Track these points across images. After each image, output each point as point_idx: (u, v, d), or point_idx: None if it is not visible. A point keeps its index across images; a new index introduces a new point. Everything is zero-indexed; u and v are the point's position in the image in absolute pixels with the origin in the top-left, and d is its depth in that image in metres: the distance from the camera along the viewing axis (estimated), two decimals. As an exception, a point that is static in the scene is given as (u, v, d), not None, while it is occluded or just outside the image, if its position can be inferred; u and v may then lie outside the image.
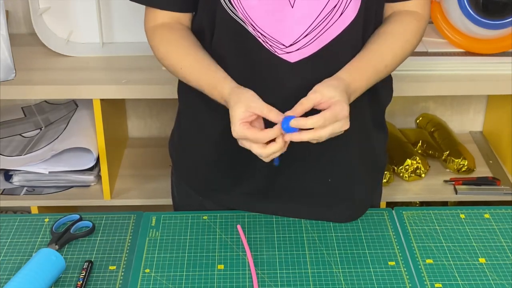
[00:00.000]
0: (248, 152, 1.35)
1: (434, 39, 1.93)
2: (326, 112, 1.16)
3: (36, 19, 1.93)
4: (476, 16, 1.82)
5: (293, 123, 1.16)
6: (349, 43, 1.27)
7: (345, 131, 1.19)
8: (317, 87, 1.19)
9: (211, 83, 1.27)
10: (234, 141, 1.35)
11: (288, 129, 1.16)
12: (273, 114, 1.18)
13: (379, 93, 1.39)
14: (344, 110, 1.17)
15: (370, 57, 1.27)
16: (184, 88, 1.40)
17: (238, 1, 1.23)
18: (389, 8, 1.35)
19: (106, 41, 2.00)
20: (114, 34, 2.00)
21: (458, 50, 1.91)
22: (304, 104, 1.18)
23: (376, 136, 1.43)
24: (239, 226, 1.37)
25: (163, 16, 1.34)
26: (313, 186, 1.38)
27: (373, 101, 1.38)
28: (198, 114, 1.39)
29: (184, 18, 1.35)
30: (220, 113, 1.29)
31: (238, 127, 1.18)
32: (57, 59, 1.95)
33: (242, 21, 1.25)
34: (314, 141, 1.19)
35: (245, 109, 1.18)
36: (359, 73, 1.25)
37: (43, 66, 1.92)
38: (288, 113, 1.18)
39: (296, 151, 1.34)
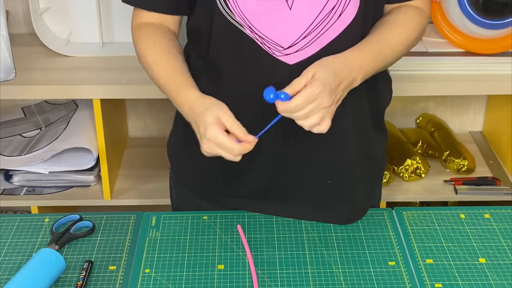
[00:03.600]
0: (247, 154, 1.35)
1: (434, 39, 1.93)
2: (299, 94, 1.15)
3: (36, 19, 1.93)
4: (476, 16, 1.82)
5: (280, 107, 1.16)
6: (348, 44, 1.26)
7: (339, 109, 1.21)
8: (309, 67, 1.18)
9: (179, 85, 1.26)
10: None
11: (270, 100, 1.17)
12: (241, 132, 1.17)
13: (378, 94, 1.39)
14: (318, 91, 1.15)
15: (374, 41, 1.27)
16: None
17: (235, 4, 1.23)
18: (390, 7, 1.35)
19: (106, 41, 2.00)
20: (114, 34, 2.00)
21: (458, 50, 1.91)
22: (295, 85, 1.17)
23: (376, 138, 1.43)
24: (239, 226, 1.37)
25: (149, 16, 1.34)
26: (312, 187, 1.38)
27: (372, 103, 1.38)
28: None
29: (171, 20, 1.35)
30: None
31: (213, 129, 1.17)
32: (57, 59, 1.95)
33: (240, 24, 1.24)
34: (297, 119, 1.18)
35: (217, 118, 1.18)
36: (359, 50, 1.25)
37: (43, 66, 1.92)
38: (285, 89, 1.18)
39: (296, 153, 1.34)
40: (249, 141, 1.18)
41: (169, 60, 1.29)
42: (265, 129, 1.20)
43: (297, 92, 1.16)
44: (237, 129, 1.18)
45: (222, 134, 1.17)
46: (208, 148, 1.19)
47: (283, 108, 1.16)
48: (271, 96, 1.16)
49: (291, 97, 1.16)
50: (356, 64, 1.22)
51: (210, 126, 1.18)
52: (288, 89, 1.17)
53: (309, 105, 1.15)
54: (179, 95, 1.26)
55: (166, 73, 1.29)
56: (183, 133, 1.44)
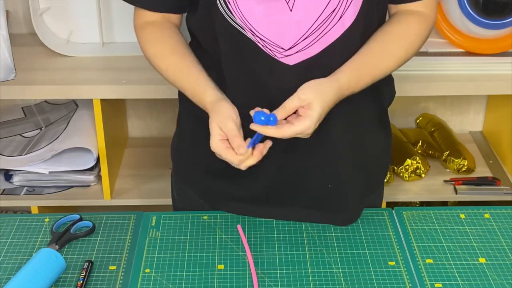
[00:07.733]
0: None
1: (434, 39, 1.93)
2: (290, 127, 1.20)
3: (36, 19, 1.93)
4: (476, 16, 1.82)
5: (256, 128, 1.20)
6: (348, 46, 1.26)
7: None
8: (305, 90, 1.21)
9: (193, 88, 1.29)
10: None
11: (259, 122, 1.20)
12: (236, 141, 1.21)
13: (381, 94, 1.39)
14: (309, 130, 1.20)
15: (370, 58, 1.27)
16: None
17: (236, 7, 1.23)
18: (394, 8, 1.34)
19: (106, 41, 2.00)
20: (114, 34, 2.00)
21: (458, 50, 1.91)
22: (287, 108, 1.21)
23: (378, 138, 1.42)
24: (239, 226, 1.37)
25: (151, 15, 1.34)
26: (312, 191, 1.37)
27: (372, 102, 1.38)
28: (198, 117, 1.39)
29: (174, 16, 1.35)
30: None
31: (216, 143, 1.22)
32: (57, 59, 1.95)
33: (241, 27, 1.24)
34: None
35: (219, 129, 1.22)
36: (357, 75, 1.26)
37: (43, 66, 1.92)
38: (275, 111, 1.21)
39: (295, 158, 1.34)
40: (241, 153, 1.21)
41: (181, 63, 1.31)
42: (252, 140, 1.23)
43: (287, 114, 1.21)
44: (233, 142, 1.21)
45: (220, 146, 1.22)
46: (216, 155, 1.24)
47: (272, 134, 1.20)
48: (262, 118, 1.19)
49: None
50: (347, 90, 1.25)
51: (212, 137, 1.22)
52: (280, 111, 1.20)
53: (295, 135, 1.21)
54: (196, 98, 1.30)
55: (179, 78, 1.31)
56: (186, 135, 1.44)
